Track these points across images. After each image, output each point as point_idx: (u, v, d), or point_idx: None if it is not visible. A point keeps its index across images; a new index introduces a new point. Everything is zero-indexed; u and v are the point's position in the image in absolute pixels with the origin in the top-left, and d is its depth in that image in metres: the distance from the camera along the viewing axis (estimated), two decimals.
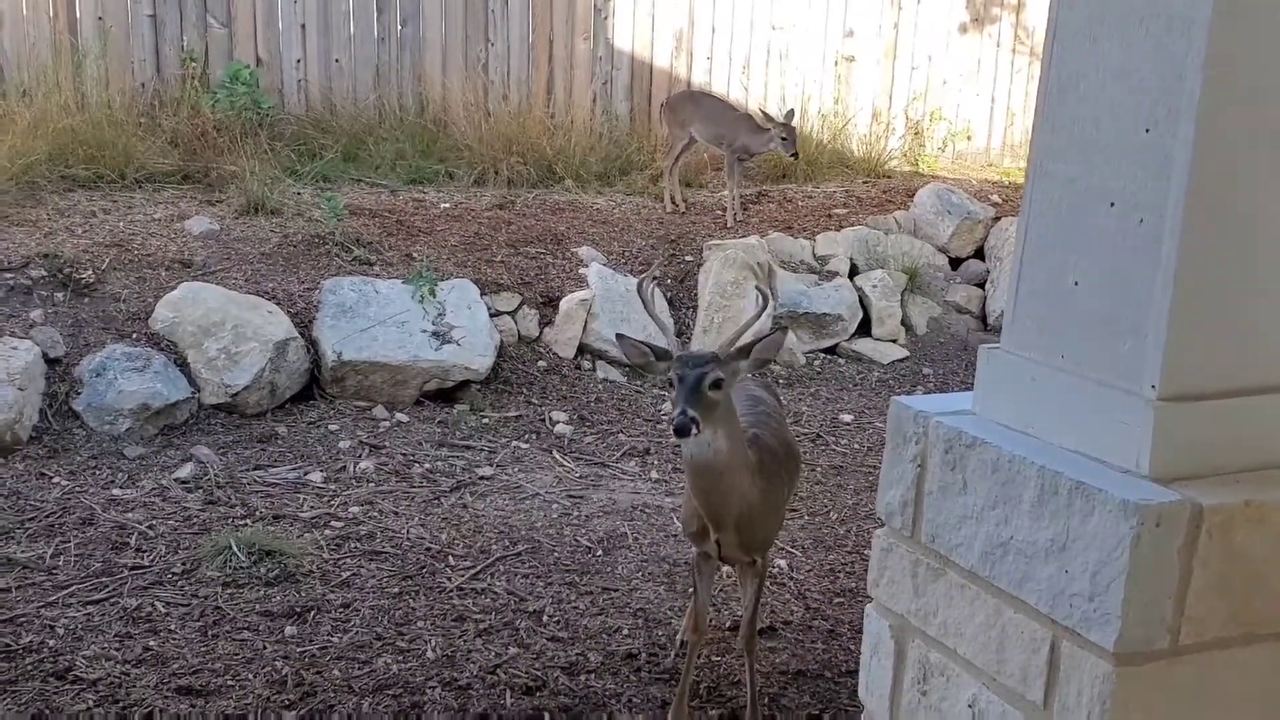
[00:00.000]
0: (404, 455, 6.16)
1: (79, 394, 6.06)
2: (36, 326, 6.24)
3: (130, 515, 5.29)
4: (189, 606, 4.58)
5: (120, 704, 3.93)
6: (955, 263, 9.58)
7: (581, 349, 7.59)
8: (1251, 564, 1.93)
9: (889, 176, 10.79)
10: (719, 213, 9.26)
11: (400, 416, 6.61)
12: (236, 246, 7.47)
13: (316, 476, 5.83)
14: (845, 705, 4.18)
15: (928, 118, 11.64)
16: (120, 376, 6.13)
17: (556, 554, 5.23)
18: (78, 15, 8.98)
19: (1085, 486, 1.92)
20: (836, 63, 11.39)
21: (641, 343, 3.65)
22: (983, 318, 9.24)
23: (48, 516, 5.22)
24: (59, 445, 5.86)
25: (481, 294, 7.35)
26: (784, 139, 8.89)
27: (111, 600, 4.60)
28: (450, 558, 5.12)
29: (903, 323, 8.82)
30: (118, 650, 4.25)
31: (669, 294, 8.11)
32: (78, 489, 5.50)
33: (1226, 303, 1.94)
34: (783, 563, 5.28)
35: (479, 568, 5.04)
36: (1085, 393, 2.05)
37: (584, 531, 5.47)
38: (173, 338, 6.47)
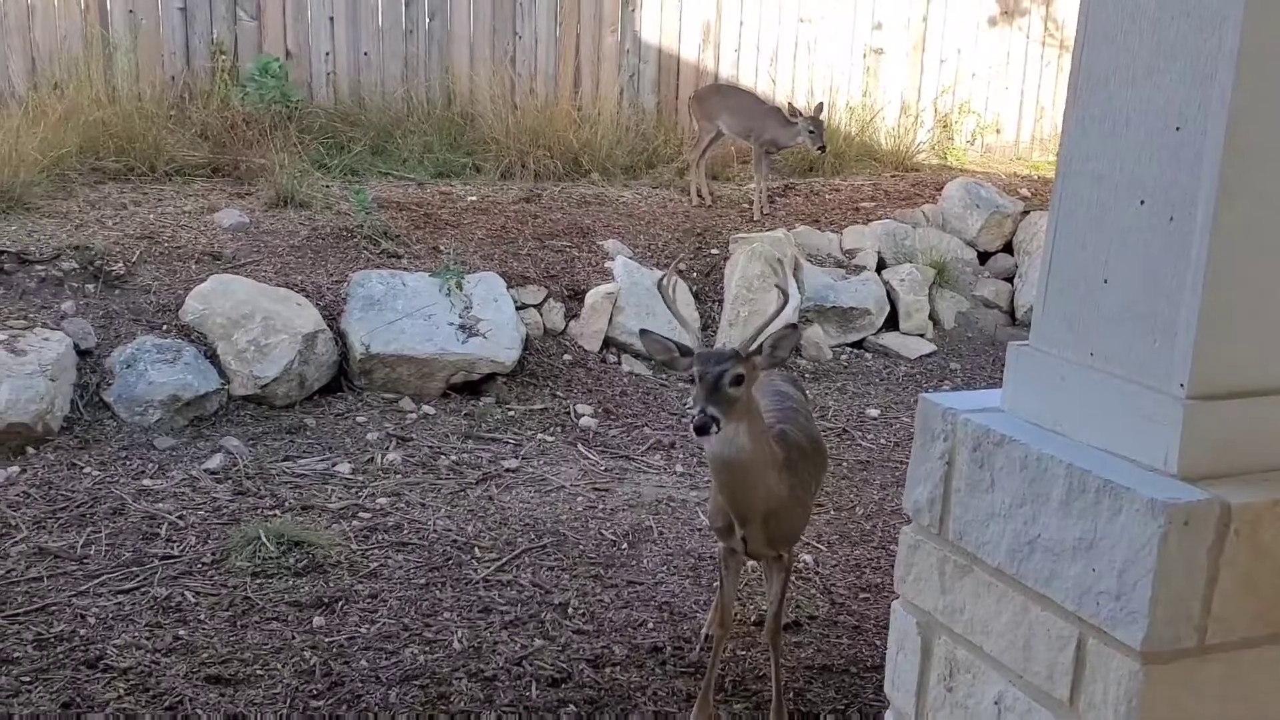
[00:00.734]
0: (431, 447, 6.19)
1: (110, 385, 6.12)
2: (68, 318, 6.30)
3: (160, 505, 5.34)
4: (218, 596, 4.63)
5: (150, 692, 3.98)
6: (984, 257, 9.54)
7: (607, 342, 7.60)
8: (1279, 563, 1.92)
9: (917, 170, 10.75)
10: (745, 206, 9.25)
11: (427, 409, 6.65)
12: (266, 239, 7.52)
13: (344, 468, 5.87)
14: (870, 700, 4.18)
15: (956, 111, 11.59)
16: (151, 368, 6.18)
17: (582, 547, 5.25)
18: (108, 8, 9.05)
19: (1113, 485, 1.91)
20: (865, 55, 11.35)
21: (665, 338, 3.66)
22: (1011, 312, 9.21)
23: (79, 506, 5.27)
24: (90, 436, 5.91)
25: (508, 287, 7.37)
26: (811, 132, 8.87)
27: (142, 590, 4.65)
28: (476, 549, 5.15)
29: (930, 317, 8.80)
30: (148, 639, 4.30)
31: (694, 288, 8.11)
32: (108, 479, 5.56)
33: (1257, 301, 1.92)
34: (808, 558, 5.28)
35: (505, 560, 5.07)
36: (1114, 390, 2.04)
37: (609, 525, 5.49)
38: (203, 329, 6.53)
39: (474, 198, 8.75)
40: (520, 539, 5.28)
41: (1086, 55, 2.11)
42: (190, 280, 6.82)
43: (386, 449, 6.13)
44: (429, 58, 10.00)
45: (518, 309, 7.32)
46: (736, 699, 4.19)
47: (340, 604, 4.63)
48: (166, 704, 3.93)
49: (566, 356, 7.39)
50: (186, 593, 4.64)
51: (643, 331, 3.76)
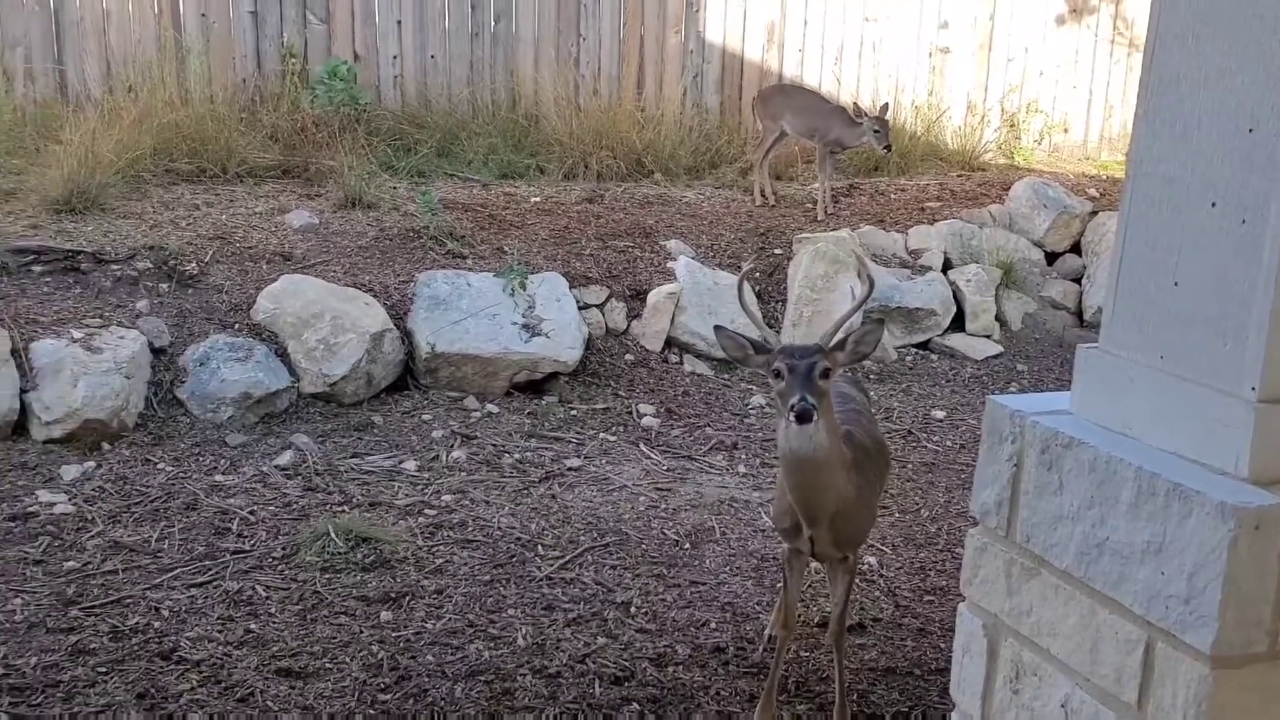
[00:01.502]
0: (494, 445, 6.25)
1: (183, 383, 6.25)
2: (143, 317, 6.44)
3: (232, 501, 5.45)
4: (288, 590, 4.71)
5: (222, 684, 4.06)
6: (1051, 257, 9.44)
7: (669, 342, 7.62)
8: None
9: (984, 169, 10.67)
10: (809, 206, 9.23)
11: (491, 407, 6.71)
12: (334, 240, 7.63)
13: (411, 465, 5.95)
14: (935, 703, 4.17)
15: (1024, 110, 11.47)
16: (223, 366, 6.30)
17: (644, 546, 5.28)
18: (182, 12, 9.23)
19: (1183, 488, 1.91)
20: (931, 54, 11.27)
21: (739, 335, 3.67)
22: (1079, 313, 9.10)
23: (153, 501, 5.39)
24: (164, 432, 6.04)
25: (570, 287, 7.42)
26: (877, 132, 8.83)
27: (214, 583, 4.75)
28: (540, 547, 5.20)
29: (997, 318, 8.72)
30: (220, 632, 4.39)
31: (757, 288, 8.10)
32: (182, 475, 5.68)
33: None
34: (873, 560, 5.27)
35: (568, 558, 5.11)
36: (1184, 394, 2.03)
37: (671, 524, 5.51)
38: (273, 328, 6.64)
39: (537, 198, 8.81)
40: (583, 537, 5.32)
41: (1158, 57, 2.10)
42: (261, 280, 6.95)
43: (451, 447, 6.20)
44: (494, 60, 10.08)
45: (580, 309, 7.36)
46: (800, 700, 4.19)
47: (407, 599, 4.69)
48: (238, 696, 4.01)
49: (628, 356, 7.42)
50: (257, 587, 4.73)
51: (717, 328, 3.77)
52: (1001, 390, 7.77)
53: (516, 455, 6.17)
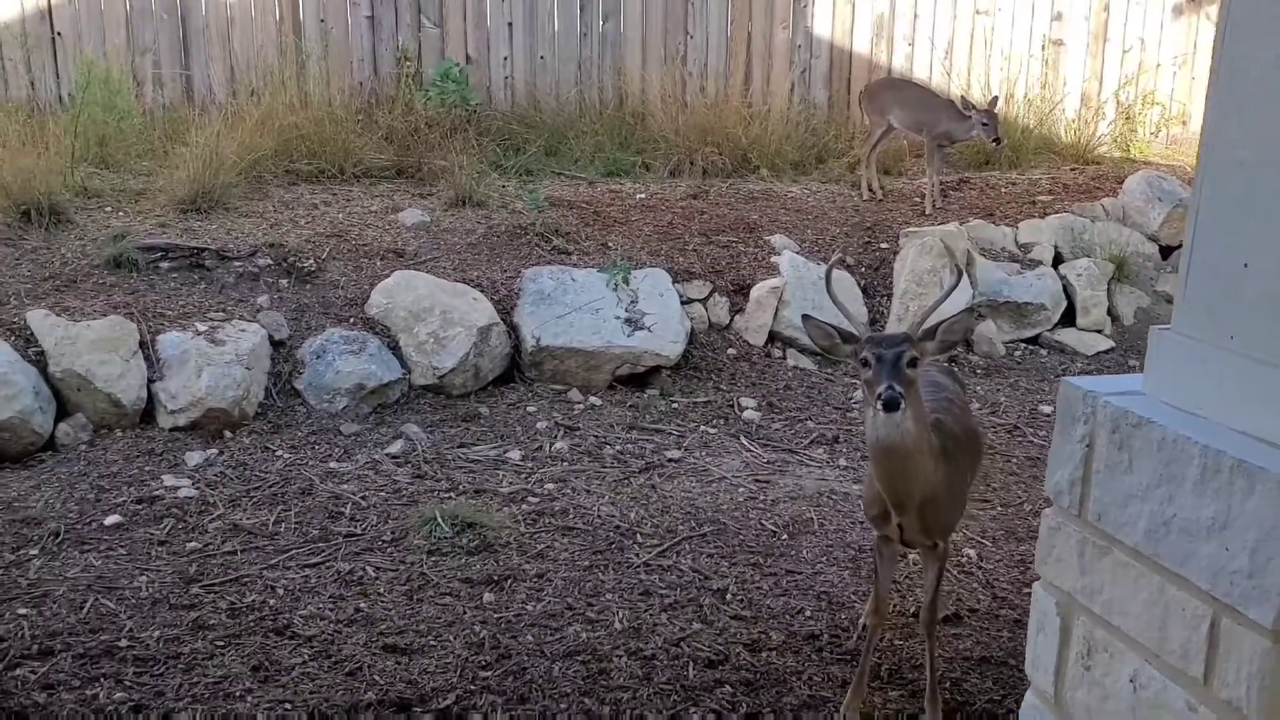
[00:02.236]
0: (596, 437, 6.38)
1: (301, 374, 6.50)
2: (263, 311, 6.72)
3: (345, 487, 5.66)
4: (396, 572, 4.90)
5: (332, 659, 4.25)
6: (1165, 251, 9.24)
7: (772, 336, 7.67)
8: None
9: (1098, 163, 10.48)
10: (917, 200, 9.19)
11: (594, 400, 6.85)
12: (445, 237, 7.84)
13: (515, 455, 6.11)
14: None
15: (1140, 102, 11.24)
16: (338, 358, 6.54)
17: (741, 536, 5.35)
18: (301, 18, 9.58)
19: (1246, 465, 1.93)
20: (1043, 47, 11.12)
21: (827, 323, 3.71)
22: None
23: (271, 487, 5.63)
24: (282, 421, 6.30)
25: (673, 282, 7.52)
26: (985, 125, 8.76)
27: (327, 564, 4.95)
28: (638, 535, 5.30)
29: (1109, 313, 8.58)
30: (331, 610, 4.59)
31: (862, 282, 8.10)
32: (298, 462, 5.92)
33: None
34: (972, 552, 5.26)
35: (665, 546, 5.21)
36: (1253, 374, 2.05)
37: (769, 515, 5.57)
38: (386, 322, 6.87)
39: (642, 195, 8.93)
40: (681, 527, 5.41)
41: (1228, 42, 2.12)
42: (375, 276, 7.19)
43: (555, 438, 6.34)
44: (602, 60, 10.24)
45: (683, 303, 7.46)
46: (892, 687, 4.22)
47: (509, 582, 4.84)
48: (346, 670, 4.19)
49: (731, 350, 7.49)
50: (367, 568, 4.93)
51: (805, 316, 3.82)
52: None
53: (618, 447, 6.29)
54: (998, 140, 8.99)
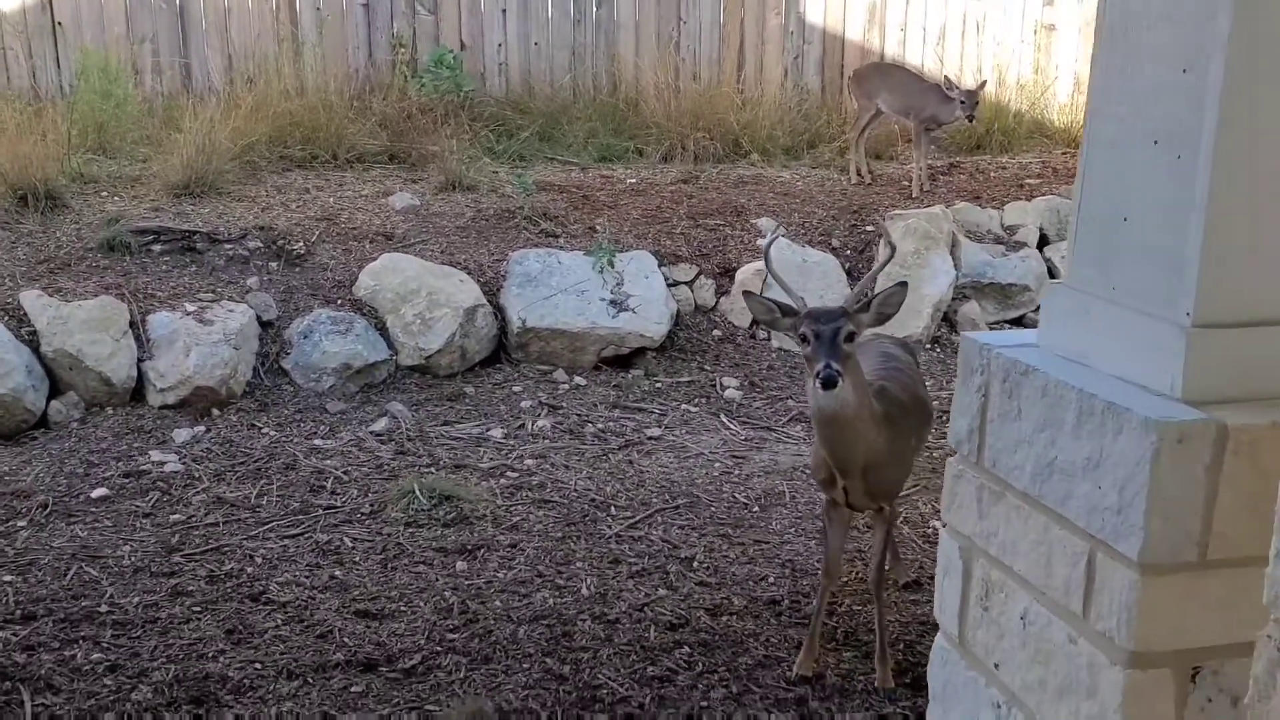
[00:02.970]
0: (579, 415, 6.50)
1: (288, 354, 6.64)
2: (252, 292, 6.85)
3: (328, 462, 5.80)
4: (373, 542, 5.03)
5: (304, 623, 4.38)
6: None
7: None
8: None
9: None
10: (905, 184, 9.27)
11: (578, 380, 6.96)
12: (434, 220, 7.97)
13: (498, 432, 6.23)
14: None
15: None
16: (325, 339, 6.68)
17: (713, 508, 5.46)
18: (298, 6, 9.71)
19: (1115, 407, 2.03)
20: (1035, 32, 11.17)
21: (766, 299, 3.82)
22: None
23: (255, 462, 5.77)
24: (269, 399, 6.44)
25: (660, 265, 7.63)
26: (963, 103, 8.82)
27: (305, 535, 5.09)
28: (612, 508, 5.42)
29: None
30: (307, 578, 4.72)
31: (847, 265, 8.19)
32: (283, 439, 6.06)
33: (1258, 234, 2.00)
34: (938, 524, 5.35)
35: (638, 518, 5.33)
36: (1131, 322, 2.15)
37: (743, 489, 5.68)
38: (373, 304, 7.00)
39: (633, 180, 9.03)
40: (654, 500, 5.52)
41: (1109, 3, 2.21)
42: (363, 258, 7.32)
43: (538, 416, 6.46)
44: (595, 46, 10.34)
45: (669, 286, 7.56)
46: (846, 648, 4.33)
47: (482, 552, 4.97)
48: (317, 633, 4.32)
49: (716, 332, 7.60)
50: (345, 538, 5.06)
51: (745, 292, 3.94)
52: None
53: (599, 425, 6.40)
54: (971, 118, 9.06)
